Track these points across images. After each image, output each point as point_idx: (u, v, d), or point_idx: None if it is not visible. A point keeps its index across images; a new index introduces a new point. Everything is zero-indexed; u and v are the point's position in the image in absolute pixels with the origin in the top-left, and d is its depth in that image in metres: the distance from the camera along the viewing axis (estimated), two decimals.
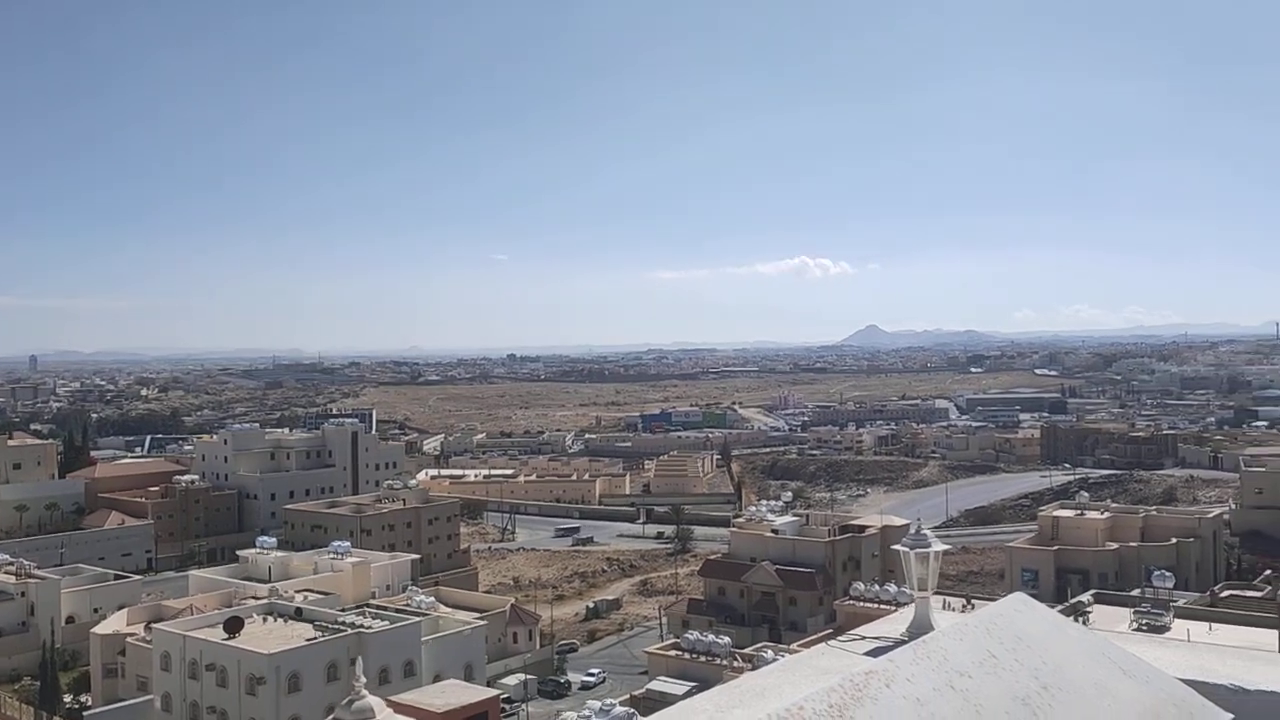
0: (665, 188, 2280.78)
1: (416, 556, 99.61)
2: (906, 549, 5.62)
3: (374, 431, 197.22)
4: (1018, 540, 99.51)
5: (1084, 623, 50.59)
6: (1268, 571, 79.95)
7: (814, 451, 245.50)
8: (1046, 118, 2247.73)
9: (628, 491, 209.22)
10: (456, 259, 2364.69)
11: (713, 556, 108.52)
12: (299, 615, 68.44)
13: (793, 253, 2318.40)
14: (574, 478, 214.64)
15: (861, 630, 5.34)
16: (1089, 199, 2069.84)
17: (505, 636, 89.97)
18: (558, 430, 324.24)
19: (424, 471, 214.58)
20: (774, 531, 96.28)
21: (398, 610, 72.62)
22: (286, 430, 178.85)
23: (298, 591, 76.68)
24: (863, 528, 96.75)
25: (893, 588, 56.05)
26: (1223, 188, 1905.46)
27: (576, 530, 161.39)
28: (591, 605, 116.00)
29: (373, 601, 77.19)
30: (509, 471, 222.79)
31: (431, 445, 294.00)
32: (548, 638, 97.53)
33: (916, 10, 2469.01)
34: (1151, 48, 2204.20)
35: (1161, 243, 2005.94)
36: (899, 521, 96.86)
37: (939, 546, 5.54)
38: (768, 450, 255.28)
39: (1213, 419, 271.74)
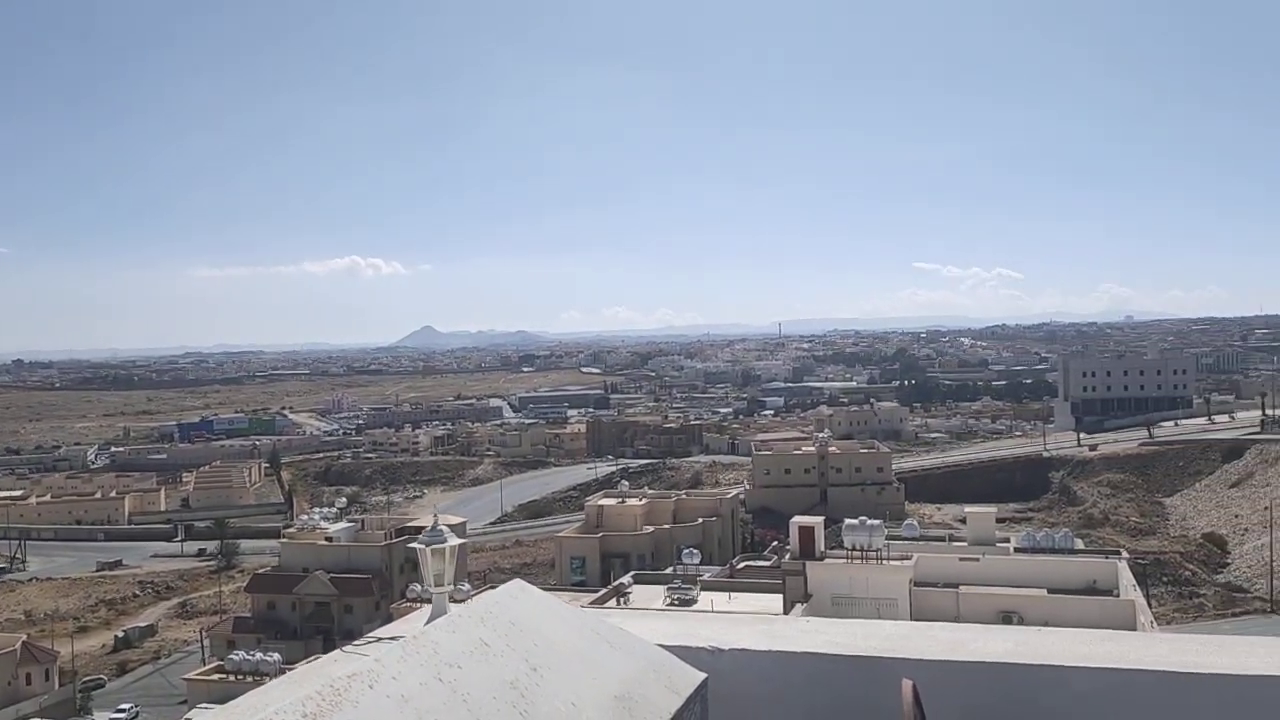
0: (199, 179, 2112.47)
1: None
2: (423, 545, 5.62)
3: None
4: (566, 530, 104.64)
5: (624, 603, 54.46)
6: (775, 543, 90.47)
7: (369, 455, 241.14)
8: (591, 132, 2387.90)
9: (163, 507, 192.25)
10: None
11: (262, 570, 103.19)
12: None
13: (343, 252, 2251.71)
14: (98, 496, 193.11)
15: (379, 631, 5.26)
16: (623, 208, 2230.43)
17: (16, 678, 79.15)
18: (78, 444, 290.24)
19: None
20: (328, 539, 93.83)
21: None
22: None
23: None
24: (419, 528, 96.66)
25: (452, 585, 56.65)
26: (734, 201, 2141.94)
27: (5, 570, 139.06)
28: (121, 634, 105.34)
29: None
30: (17, 493, 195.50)
31: None
32: (69, 675, 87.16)
33: (464, 13, 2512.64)
34: (667, 73, 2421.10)
35: (685, 251, 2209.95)
36: (455, 520, 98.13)
37: (455, 541, 5.59)
38: (321, 455, 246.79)
39: (730, 409, 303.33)
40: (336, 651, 5.22)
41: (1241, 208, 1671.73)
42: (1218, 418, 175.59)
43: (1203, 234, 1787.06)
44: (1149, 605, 49.81)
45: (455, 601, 5.26)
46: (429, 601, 5.26)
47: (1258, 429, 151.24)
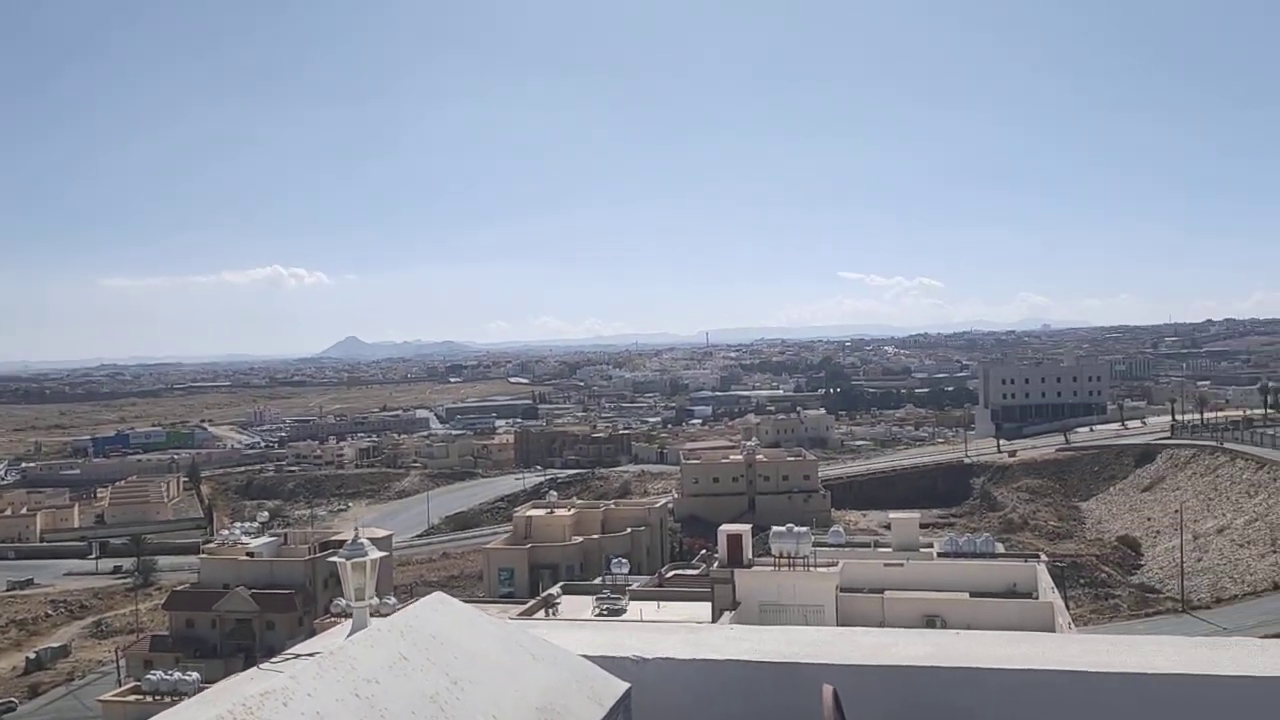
0: (114, 187, 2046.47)
1: None
2: (343, 559, 5.54)
3: None
4: (495, 541, 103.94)
5: (553, 614, 54.20)
6: (703, 551, 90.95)
7: (293, 468, 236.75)
8: (518, 141, 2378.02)
9: (77, 524, 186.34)
10: None
11: (180, 587, 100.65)
12: None
13: (265, 261, 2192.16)
14: (8, 513, 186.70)
15: (297, 648, 5.17)
16: (552, 218, 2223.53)
17: None
18: None
19: None
20: (249, 554, 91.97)
21: None
22: None
23: None
24: (343, 542, 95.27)
25: (375, 600, 55.82)
26: (661, 210, 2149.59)
27: None
28: (33, 656, 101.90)
29: None
30: None
31: None
32: None
33: (391, 23, 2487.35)
34: (592, 82, 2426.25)
35: (613, 261, 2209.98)
36: (381, 533, 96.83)
37: (375, 555, 5.53)
38: (242, 469, 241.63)
39: (659, 418, 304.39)
40: (253, 669, 5.11)
41: (1153, 218, 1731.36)
42: (1130, 423, 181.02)
43: (1116, 244, 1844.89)
44: (1067, 606, 51.06)
45: (380, 615, 5.19)
46: (351, 616, 5.18)
47: (1168, 434, 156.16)
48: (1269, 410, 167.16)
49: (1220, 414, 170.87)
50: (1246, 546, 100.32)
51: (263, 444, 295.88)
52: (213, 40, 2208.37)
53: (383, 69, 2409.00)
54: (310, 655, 4.59)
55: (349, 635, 4.95)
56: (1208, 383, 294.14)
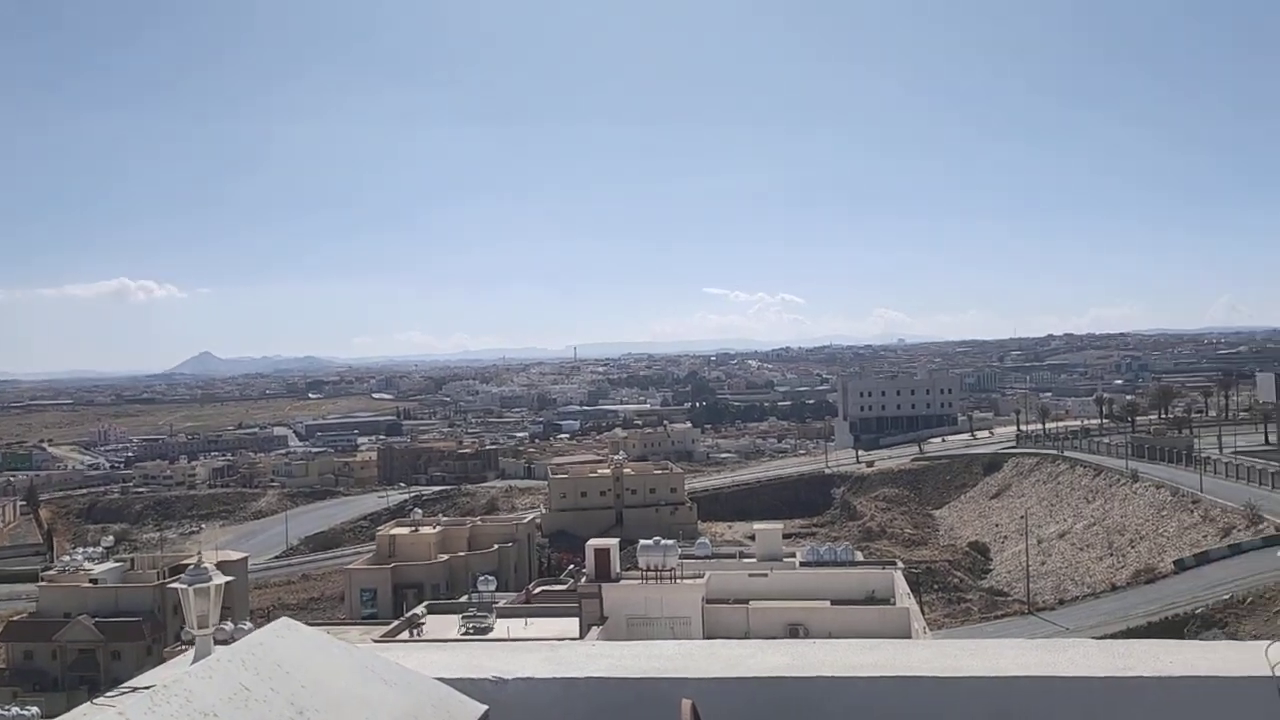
0: None
1: None
2: (185, 585, 5.28)
3: None
4: (357, 561, 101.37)
5: (418, 634, 53.11)
6: (571, 566, 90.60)
7: (140, 489, 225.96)
8: (380, 152, 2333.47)
9: None
10: None
11: (18, 617, 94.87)
12: None
13: (111, 274, 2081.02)
14: None
15: (134, 680, 4.89)
16: (416, 231, 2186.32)
17: None
18: None
19: None
20: (93, 581, 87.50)
21: None
22: None
23: None
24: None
25: (229, 625, 53.53)
26: (528, 225, 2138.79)
27: None
28: None
29: None
30: None
31: None
32: None
33: (246, 32, 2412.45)
34: (453, 96, 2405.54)
35: (480, 275, 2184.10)
36: (235, 556, 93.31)
37: (220, 580, 5.30)
38: (85, 491, 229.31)
39: (526, 433, 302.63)
40: (85, 705, 4.82)
41: (998, 236, 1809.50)
42: (979, 433, 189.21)
43: (965, 262, 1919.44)
44: (922, 611, 52.84)
45: (228, 643, 4.95)
46: (220, 641, 4.94)
47: (1014, 443, 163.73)
48: (1105, 420, 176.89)
49: (1061, 424, 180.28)
50: (1085, 550, 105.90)
51: (107, 465, 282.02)
52: (63, 47, 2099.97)
53: (239, 81, 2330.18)
54: (146, 688, 4.35)
55: (191, 665, 4.71)
56: (1049, 394, 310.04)
